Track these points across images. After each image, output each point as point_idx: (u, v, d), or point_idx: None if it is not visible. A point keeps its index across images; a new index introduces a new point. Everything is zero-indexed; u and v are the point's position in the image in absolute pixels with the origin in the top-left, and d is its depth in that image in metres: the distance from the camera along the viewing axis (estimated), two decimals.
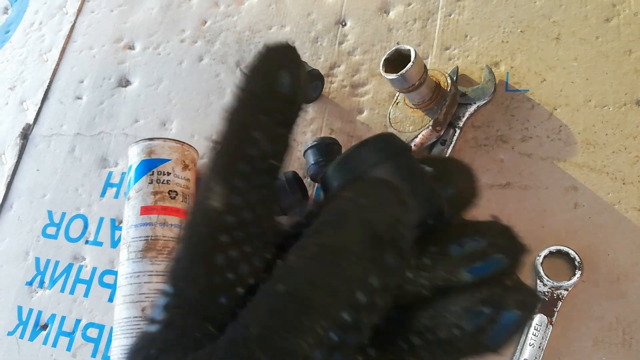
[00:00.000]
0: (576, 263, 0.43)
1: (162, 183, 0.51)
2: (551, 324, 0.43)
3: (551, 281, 0.43)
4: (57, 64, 0.74)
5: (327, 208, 0.17)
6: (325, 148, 0.51)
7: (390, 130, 0.51)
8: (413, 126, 0.49)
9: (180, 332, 0.16)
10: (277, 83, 0.18)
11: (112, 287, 0.56)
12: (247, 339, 0.14)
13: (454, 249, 0.18)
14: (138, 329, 0.47)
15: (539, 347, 0.42)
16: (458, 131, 0.50)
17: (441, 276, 0.18)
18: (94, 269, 0.58)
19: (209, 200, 0.17)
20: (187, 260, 0.17)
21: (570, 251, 0.44)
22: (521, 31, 0.53)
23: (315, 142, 0.51)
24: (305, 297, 0.15)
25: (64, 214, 0.63)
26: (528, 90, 0.50)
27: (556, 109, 0.49)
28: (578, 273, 0.43)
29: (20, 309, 0.60)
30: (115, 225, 0.60)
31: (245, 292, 0.16)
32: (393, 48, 0.46)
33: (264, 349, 0.14)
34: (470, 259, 0.18)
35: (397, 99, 0.52)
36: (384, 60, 0.46)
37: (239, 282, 0.16)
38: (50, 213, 0.64)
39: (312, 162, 0.51)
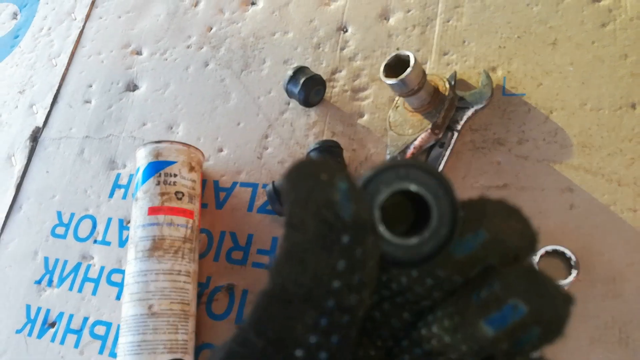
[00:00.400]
0: (572, 263, 0.44)
1: (169, 184, 0.53)
2: None
3: None
4: (66, 69, 0.76)
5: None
6: (327, 151, 0.52)
7: (390, 133, 0.52)
8: (412, 129, 0.51)
9: None
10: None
11: (120, 285, 0.58)
12: (244, 327, 0.15)
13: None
14: (144, 326, 0.48)
15: None
16: (456, 134, 0.51)
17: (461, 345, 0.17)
18: (102, 268, 0.60)
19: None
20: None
21: (566, 251, 0.45)
22: (518, 37, 0.54)
23: (317, 145, 0.53)
24: (291, 293, 0.15)
25: (72, 215, 0.64)
26: (524, 95, 0.51)
27: (552, 113, 0.50)
28: (574, 273, 0.44)
29: (28, 307, 0.61)
30: (123, 225, 0.61)
31: None
32: (393, 54, 0.48)
33: (258, 334, 0.15)
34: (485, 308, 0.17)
35: (396, 103, 0.53)
36: (384, 65, 0.48)
37: None
38: (59, 214, 0.65)
39: None
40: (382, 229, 0.17)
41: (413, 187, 0.17)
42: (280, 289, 0.15)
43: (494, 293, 0.16)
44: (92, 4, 0.80)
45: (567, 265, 0.45)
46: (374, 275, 0.16)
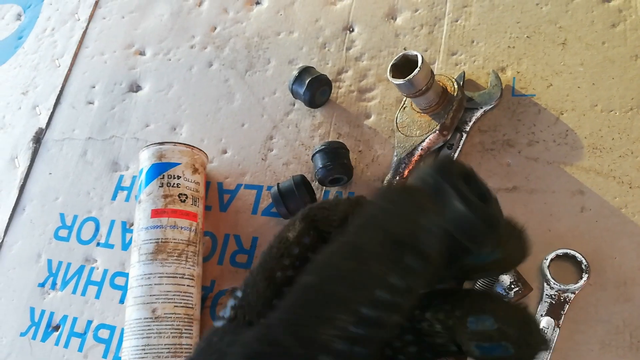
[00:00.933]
0: (583, 266, 0.44)
1: (172, 186, 0.52)
2: (558, 326, 0.43)
3: (558, 284, 0.44)
4: (69, 70, 0.75)
5: (359, 213, 0.18)
6: (333, 152, 0.52)
7: (397, 134, 0.52)
8: (420, 130, 0.50)
9: (239, 324, 0.20)
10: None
11: (123, 288, 0.57)
12: (274, 325, 0.16)
13: (470, 322, 0.19)
14: (148, 330, 0.48)
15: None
16: (465, 135, 0.51)
17: (454, 340, 0.19)
18: (105, 271, 0.59)
19: (288, 232, 0.22)
20: (256, 272, 0.21)
21: (577, 254, 0.44)
22: (527, 36, 0.53)
23: (322, 147, 0.52)
24: (328, 290, 0.16)
25: (75, 217, 0.64)
26: (534, 95, 0.51)
27: (562, 114, 0.49)
28: (585, 276, 0.43)
29: (32, 310, 0.61)
30: (126, 227, 0.60)
31: None
32: (400, 53, 0.47)
33: (287, 334, 0.15)
34: (481, 337, 0.19)
35: (404, 103, 0.53)
36: (391, 65, 0.47)
37: None
38: (62, 216, 0.65)
39: (320, 165, 0.51)
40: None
41: None
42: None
43: (488, 332, 0.19)
44: (96, 4, 0.79)
45: (578, 268, 0.44)
46: (413, 302, 0.17)
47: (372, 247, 0.16)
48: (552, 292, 0.44)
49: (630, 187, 0.45)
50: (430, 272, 0.17)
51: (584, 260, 0.44)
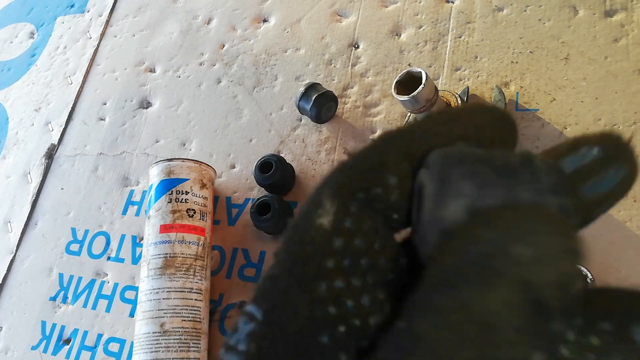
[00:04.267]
0: (588, 280, 0.44)
1: (181, 202, 0.53)
2: None
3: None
4: (81, 87, 0.77)
5: (455, 249, 0.12)
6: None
7: None
8: None
9: None
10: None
11: (133, 302, 0.58)
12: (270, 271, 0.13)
13: (637, 332, 0.12)
14: (157, 344, 0.48)
15: None
16: None
17: None
18: (116, 285, 0.60)
19: (318, 218, 0.14)
20: (285, 282, 0.13)
21: (582, 268, 0.44)
22: (530, 52, 0.54)
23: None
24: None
25: (87, 232, 0.65)
26: (538, 110, 0.51)
27: (566, 128, 0.50)
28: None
29: (44, 323, 0.62)
30: (136, 242, 0.61)
31: (346, 332, 0.13)
32: (404, 70, 0.48)
33: (285, 273, 0.13)
34: None
35: (408, 119, 0.53)
36: (396, 82, 0.48)
37: (342, 320, 0.13)
38: (73, 230, 0.66)
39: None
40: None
41: None
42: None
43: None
44: (107, 22, 0.81)
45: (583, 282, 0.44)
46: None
47: (506, 316, 0.11)
48: None
49: (634, 201, 0.46)
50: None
51: (589, 274, 0.44)
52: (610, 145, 0.15)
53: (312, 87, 0.56)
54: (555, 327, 0.11)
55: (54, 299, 0.63)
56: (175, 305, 0.49)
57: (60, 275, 0.64)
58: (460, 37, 0.57)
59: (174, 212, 0.53)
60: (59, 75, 0.80)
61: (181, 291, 0.50)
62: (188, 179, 0.54)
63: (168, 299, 0.49)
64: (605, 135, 0.15)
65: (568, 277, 0.12)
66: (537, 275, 0.11)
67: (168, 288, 0.50)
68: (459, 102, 0.50)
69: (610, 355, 0.12)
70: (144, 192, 0.64)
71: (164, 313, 0.49)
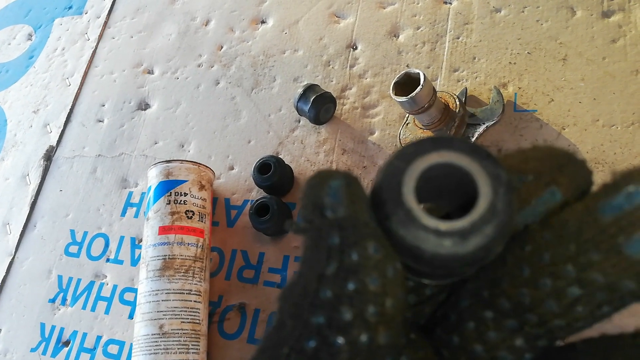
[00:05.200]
0: None
1: (179, 203, 0.53)
2: None
3: None
4: (79, 88, 0.77)
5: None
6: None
7: None
8: None
9: None
10: None
11: (132, 304, 0.58)
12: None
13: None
14: (156, 346, 0.48)
15: None
16: None
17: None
18: (115, 287, 0.60)
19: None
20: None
21: None
22: (528, 53, 0.54)
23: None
24: (282, 308, 0.13)
25: (85, 233, 0.65)
26: (536, 111, 0.51)
27: (564, 129, 0.50)
28: None
29: (43, 325, 0.62)
30: (135, 243, 0.61)
31: None
32: (403, 72, 0.48)
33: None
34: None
35: (407, 120, 0.53)
36: (394, 83, 0.48)
37: None
38: (72, 232, 0.66)
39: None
40: (414, 206, 0.12)
41: (456, 159, 0.13)
42: (279, 306, 0.13)
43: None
44: (105, 24, 0.81)
45: None
46: (380, 286, 0.12)
47: None
48: None
49: None
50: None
51: None
52: None
53: (310, 89, 0.56)
54: (332, 240, 0.12)
55: (53, 300, 0.63)
56: (175, 307, 0.49)
57: (60, 277, 0.64)
58: (458, 38, 0.57)
59: (172, 213, 0.53)
60: (57, 77, 0.80)
61: (180, 293, 0.50)
62: (187, 181, 0.54)
63: (167, 300, 0.49)
64: None
65: (323, 203, 0.13)
66: (307, 202, 0.13)
67: (167, 290, 0.50)
68: (457, 102, 0.50)
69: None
70: (143, 193, 0.64)
71: (163, 315, 0.49)
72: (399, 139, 0.53)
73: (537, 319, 0.13)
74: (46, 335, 0.61)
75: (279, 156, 0.58)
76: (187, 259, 0.51)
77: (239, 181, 0.60)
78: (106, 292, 0.60)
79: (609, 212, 0.12)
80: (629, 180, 0.12)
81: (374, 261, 0.12)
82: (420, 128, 0.52)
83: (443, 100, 0.50)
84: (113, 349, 0.57)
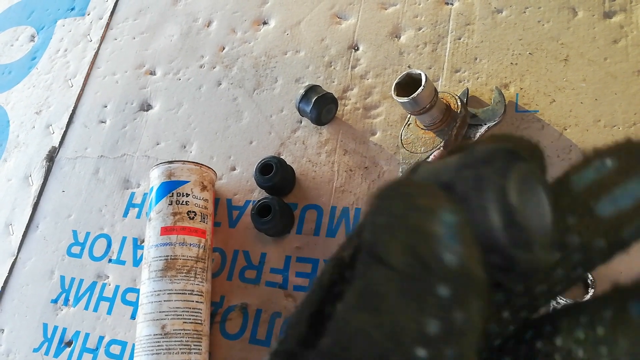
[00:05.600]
0: (589, 281, 0.44)
1: (181, 204, 0.53)
2: None
3: (564, 299, 0.44)
4: (82, 89, 0.77)
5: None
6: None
7: (402, 150, 0.52)
8: (424, 147, 0.51)
9: None
10: None
11: (135, 304, 0.58)
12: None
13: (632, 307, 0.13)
14: (158, 346, 0.48)
15: None
16: None
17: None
18: (117, 287, 0.60)
19: (343, 252, 0.15)
20: (301, 308, 0.15)
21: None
22: (530, 53, 0.54)
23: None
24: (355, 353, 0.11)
25: (88, 234, 0.65)
26: (538, 111, 0.51)
27: (566, 129, 0.50)
28: (591, 291, 0.44)
29: (45, 326, 0.62)
30: (137, 244, 0.62)
31: None
32: (404, 72, 0.48)
33: None
34: None
35: (408, 120, 0.53)
36: (396, 84, 0.48)
37: None
38: (74, 233, 0.66)
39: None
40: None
41: None
42: (343, 346, 0.11)
43: None
44: (107, 25, 0.82)
45: (584, 284, 0.44)
46: (472, 352, 0.11)
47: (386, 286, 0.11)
48: (558, 307, 0.44)
49: None
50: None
51: (590, 276, 0.44)
52: (627, 156, 0.14)
53: (312, 89, 0.57)
54: (442, 292, 0.11)
55: (55, 301, 0.63)
56: (177, 308, 0.49)
57: (62, 278, 0.64)
58: (459, 39, 0.57)
59: (174, 214, 0.53)
60: (59, 78, 0.80)
61: (182, 293, 0.50)
62: (189, 181, 0.54)
63: (169, 301, 0.50)
64: (621, 145, 0.14)
65: (437, 240, 0.11)
66: (410, 227, 0.11)
67: (169, 290, 0.50)
68: (459, 103, 0.50)
69: (617, 341, 0.13)
70: (145, 194, 0.64)
71: (165, 315, 0.49)
72: (401, 140, 0.53)
73: (523, 288, 0.14)
74: (49, 336, 0.61)
75: (281, 157, 0.58)
76: (189, 260, 0.51)
77: (240, 182, 0.60)
78: (108, 292, 0.60)
79: (582, 183, 0.14)
80: (596, 156, 0.14)
81: (474, 326, 0.11)
82: (422, 129, 0.52)
83: (444, 101, 0.51)
84: (115, 349, 0.57)
